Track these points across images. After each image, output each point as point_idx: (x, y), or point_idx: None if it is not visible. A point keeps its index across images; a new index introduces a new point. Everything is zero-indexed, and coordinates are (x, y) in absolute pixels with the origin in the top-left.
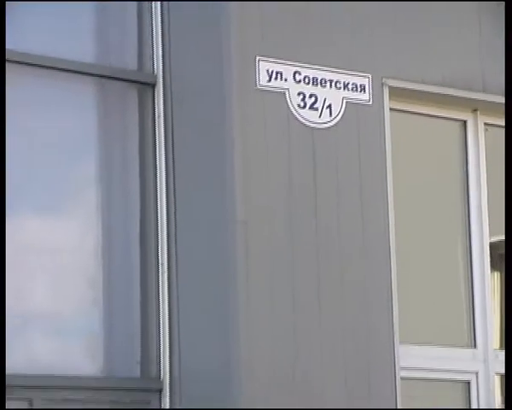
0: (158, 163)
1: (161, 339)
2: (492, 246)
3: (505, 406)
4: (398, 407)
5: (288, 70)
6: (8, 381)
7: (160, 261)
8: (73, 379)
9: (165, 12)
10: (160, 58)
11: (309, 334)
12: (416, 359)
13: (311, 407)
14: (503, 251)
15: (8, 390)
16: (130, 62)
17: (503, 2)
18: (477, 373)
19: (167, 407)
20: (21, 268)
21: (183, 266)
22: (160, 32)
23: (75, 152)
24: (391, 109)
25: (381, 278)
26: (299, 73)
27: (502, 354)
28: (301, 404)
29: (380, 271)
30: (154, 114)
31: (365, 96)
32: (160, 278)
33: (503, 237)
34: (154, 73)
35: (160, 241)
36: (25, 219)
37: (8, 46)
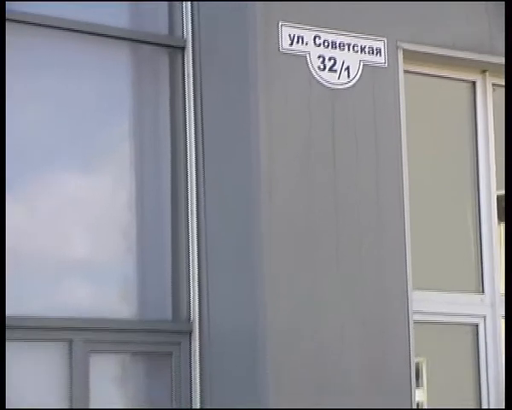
0: (187, 121)
1: (191, 284)
2: (499, 198)
3: (505, 405)
4: (412, 355)
5: (308, 34)
6: (49, 323)
7: (189, 211)
8: (110, 321)
9: None
10: (190, 23)
11: (327, 276)
12: (428, 304)
13: (330, 349)
14: None
15: (49, 332)
16: (161, 27)
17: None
18: (485, 317)
19: (197, 347)
20: (62, 220)
21: (212, 216)
22: None
23: (110, 111)
24: (405, 71)
25: (395, 229)
26: (319, 38)
27: None
28: (320, 347)
29: (394, 222)
30: (183, 75)
31: (381, 59)
32: (190, 227)
33: None
34: (183, 37)
35: (189, 192)
36: (64, 174)
37: (43, 12)
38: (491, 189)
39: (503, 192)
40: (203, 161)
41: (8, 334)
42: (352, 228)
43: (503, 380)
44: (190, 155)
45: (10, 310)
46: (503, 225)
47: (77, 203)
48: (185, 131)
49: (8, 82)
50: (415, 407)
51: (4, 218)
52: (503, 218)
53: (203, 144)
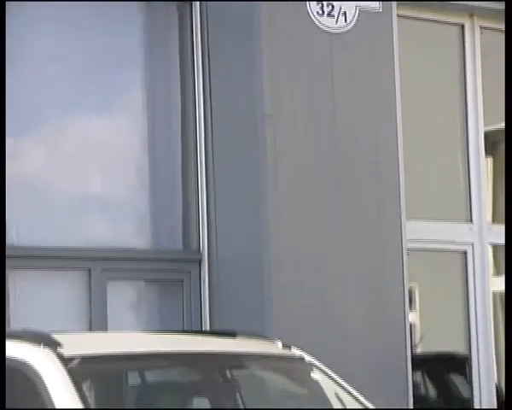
0: (196, 70)
1: (200, 217)
2: (486, 134)
3: (505, 404)
4: (405, 280)
5: None
6: (70, 253)
7: (198, 149)
8: (126, 251)
9: None
10: None
11: (328, 209)
12: (421, 232)
13: (330, 275)
14: (494, 139)
15: (70, 262)
16: None
17: None
18: (473, 244)
19: (206, 275)
20: (81, 160)
21: (219, 154)
22: None
23: (125, 61)
24: (398, 15)
25: (390, 163)
26: None
27: (494, 228)
28: (317, 271)
29: (389, 158)
30: (192, 27)
31: (375, 4)
32: (199, 164)
33: (495, 127)
34: None
35: (198, 131)
36: (84, 118)
37: None
38: (479, 124)
39: (488, 129)
40: (210, 101)
41: (32, 263)
42: (351, 165)
43: (489, 301)
44: (198, 99)
45: (34, 241)
46: (489, 159)
47: (95, 145)
48: (194, 78)
49: (31, 38)
50: (408, 329)
51: (4, 208)
52: (490, 152)
53: (210, 88)
